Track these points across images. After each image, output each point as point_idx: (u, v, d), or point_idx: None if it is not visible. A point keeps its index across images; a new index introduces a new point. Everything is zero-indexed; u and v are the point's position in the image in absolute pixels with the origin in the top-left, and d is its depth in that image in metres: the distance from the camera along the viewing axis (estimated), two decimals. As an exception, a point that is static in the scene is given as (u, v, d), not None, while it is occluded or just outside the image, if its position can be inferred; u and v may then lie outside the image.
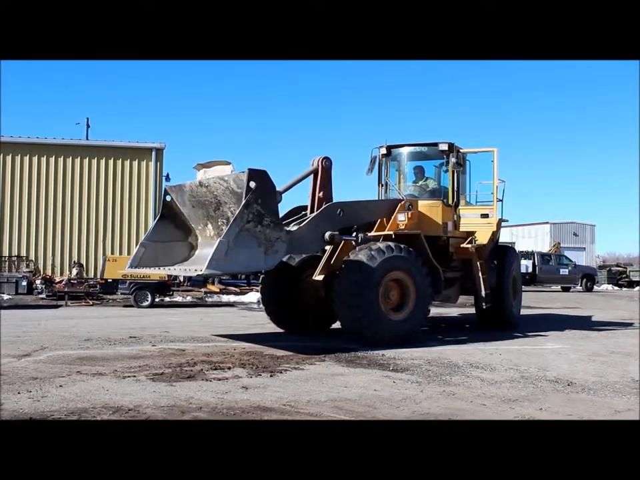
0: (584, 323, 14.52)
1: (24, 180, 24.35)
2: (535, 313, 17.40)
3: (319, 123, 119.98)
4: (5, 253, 24.11)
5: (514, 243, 38.94)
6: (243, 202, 8.52)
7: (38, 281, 21.37)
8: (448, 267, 11.63)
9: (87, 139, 30.74)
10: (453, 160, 11.35)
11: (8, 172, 24.25)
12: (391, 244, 9.99)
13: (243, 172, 8.73)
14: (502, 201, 12.59)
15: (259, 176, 8.66)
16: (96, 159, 24.97)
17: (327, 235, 9.88)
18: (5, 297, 19.91)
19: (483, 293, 11.68)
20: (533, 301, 22.52)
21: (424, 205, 11.41)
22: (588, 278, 34.84)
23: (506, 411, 5.60)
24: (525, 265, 31.87)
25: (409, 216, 10.68)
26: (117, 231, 24.80)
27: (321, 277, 10.65)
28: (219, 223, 9.57)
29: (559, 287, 34.83)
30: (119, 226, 24.88)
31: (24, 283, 21.25)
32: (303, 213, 10.54)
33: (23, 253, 24.25)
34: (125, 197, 25.07)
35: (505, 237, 46.71)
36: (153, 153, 25.16)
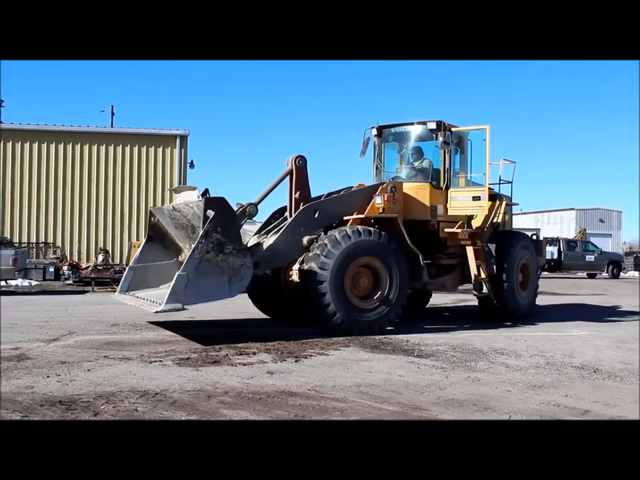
0: (610, 310, 14.37)
1: (50, 167, 24.67)
2: (560, 301, 17.24)
3: (327, 106, 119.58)
4: (33, 239, 24.49)
5: (539, 230, 38.56)
6: (201, 232, 8.30)
7: (65, 267, 21.70)
8: (443, 254, 11.18)
9: (112, 126, 30.93)
10: (440, 139, 10.78)
11: (35, 160, 24.58)
12: (360, 228, 9.60)
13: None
14: (511, 182, 11.95)
15: (216, 204, 8.49)
16: (121, 146, 25.21)
17: (305, 240, 9.56)
18: (34, 282, 20.26)
19: (477, 281, 10.98)
20: (559, 288, 22.33)
21: (410, 187, 10.85)
22: (614, 265, 34.45)
23: (531, 397, 5.57)
24: (550, 251, 31.57)
25: (385, 199, 10.16)
26: (142, 217, 25.01)
27: (299, 266, 10.19)
28: None
29: (585, 273, 34.45)
30: (144, 212, 25.10)
31: (51, 269, 21.67)
32: (286, 215, 10.28)
33: (50, 240, 24.62)
34: (149, 184, 25.31)
35: (530, 223, 46.32)
36: (178, 140, 25.35)
